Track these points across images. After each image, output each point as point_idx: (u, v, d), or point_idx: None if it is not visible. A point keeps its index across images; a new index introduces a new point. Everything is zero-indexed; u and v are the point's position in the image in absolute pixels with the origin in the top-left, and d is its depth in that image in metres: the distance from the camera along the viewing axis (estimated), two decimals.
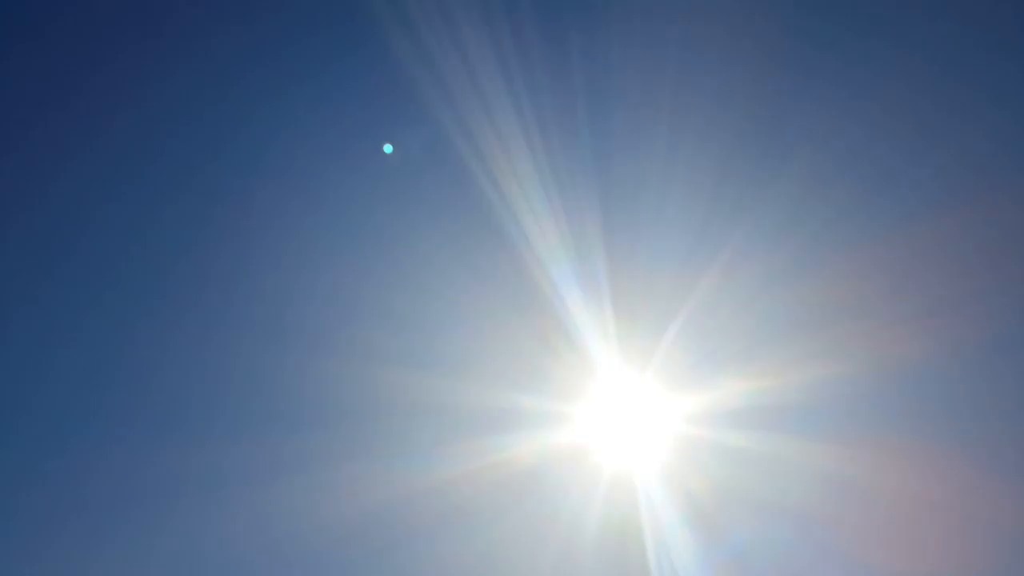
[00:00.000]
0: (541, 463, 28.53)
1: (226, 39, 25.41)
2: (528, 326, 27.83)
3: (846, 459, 27.22)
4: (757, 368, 26.58)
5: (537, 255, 25.52)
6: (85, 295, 28.94)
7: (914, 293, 27.75)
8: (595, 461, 30.66)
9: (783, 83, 24.06)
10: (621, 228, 26.56)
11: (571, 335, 27.07)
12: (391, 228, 27.02)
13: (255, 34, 25.81)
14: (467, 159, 24.72)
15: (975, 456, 26.23)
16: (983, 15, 23.41)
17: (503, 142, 24.83)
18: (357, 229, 27.87)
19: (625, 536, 32.03)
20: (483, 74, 24.32)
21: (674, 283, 26.52)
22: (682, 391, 28.23)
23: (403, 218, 26.45)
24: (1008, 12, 22.99)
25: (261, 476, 29.96)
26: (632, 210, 25.81)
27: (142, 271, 29.99)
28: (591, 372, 28.21)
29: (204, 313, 30.36)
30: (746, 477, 29.47)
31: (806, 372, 26.19)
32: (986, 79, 23.87)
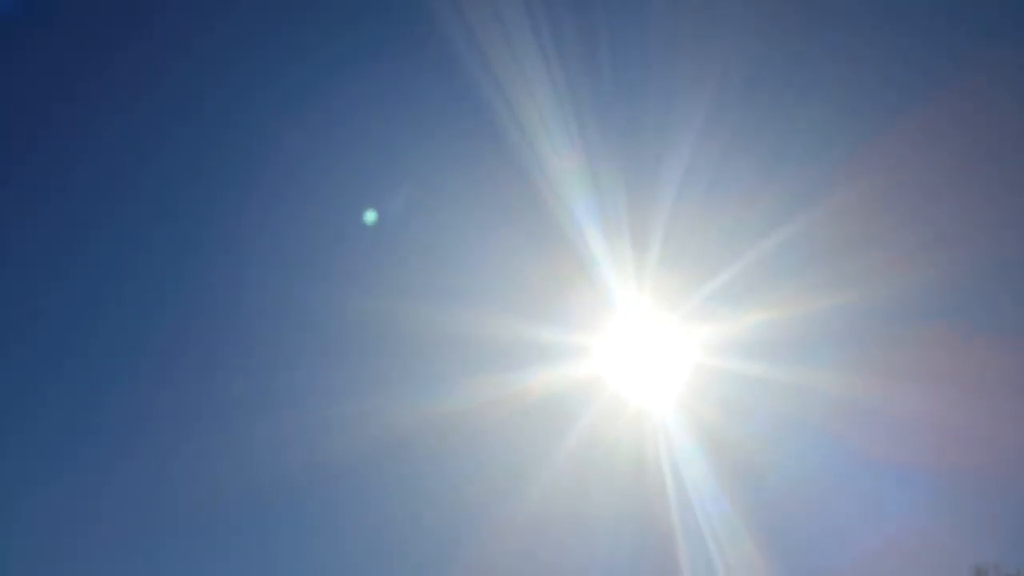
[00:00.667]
0: (560, 394, 29.38)
1: None
2: (547, 260, 28.60)
3: (856, 386, 28.10)
4: (770, 300, 27.36)
5: (557, 190, 26.23)
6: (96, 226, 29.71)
7: (918, 225, 28.54)
8: (612, 391, 31.49)
9: (797, 12, 24.61)
10: (640, 165, 27.28)
11: (589, 269, 27.78)
12: (412, 164, 27.76)
13: None
14: (489, 96, 25.43)
15: (977, 380, 27.12)
16: None
17: (525, 79, 25.45)
18: (378, 163, 28.60)
19: (642, 463, 32.94)
20: (506, 11, 24.93)
21: (691, 219, 27.27)
22: (697, 323, 29.02)
23: (425, 154, 27.16)
24: None
25: (287, 406, 30.88)
26: (651, 146, 26.50)
27: (157, 202, 30.78)
28: (609, 305, 28.98)
29: (226, 244, 31.15)
30: (759, 405, 30.34)
31: (817, 303, 26.97)
32: None
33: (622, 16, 25.90)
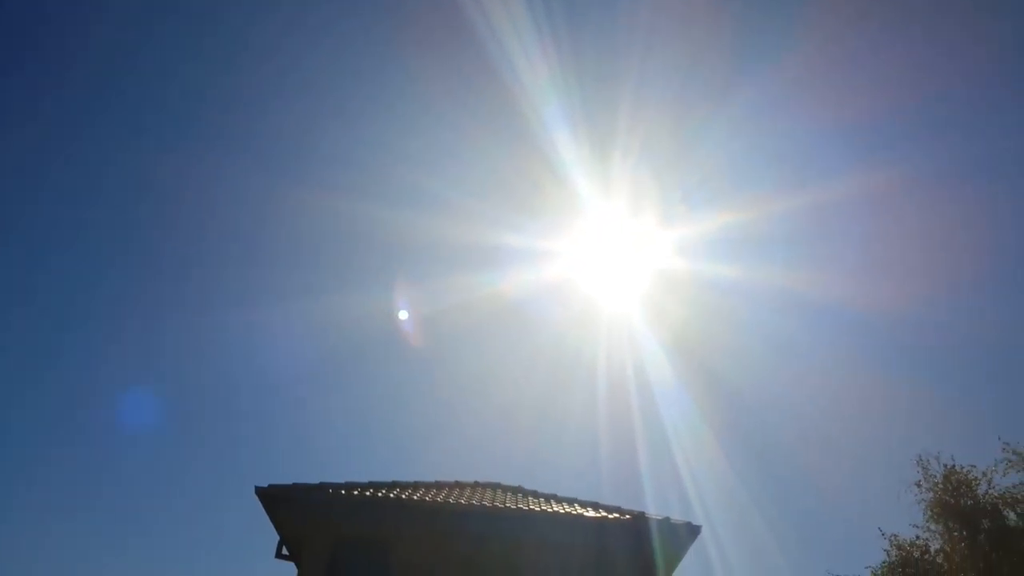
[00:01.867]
0: (530, 297, 30.03)
1: None
2: (517, 165, 28.79)
3: (821, 286, 28.80)
4: (738, 201, 27.79)
5: (527, 96, 26.26)
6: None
7: (886, 123, 28.69)
8: (582, 294, 32.21)
9: None
10: (610, 72, 27.20)
11: (559, 174, 28.06)
12: (383, 68, 27.57)
13: None
14: (461, 2, 25.00)
15: (941, 280, 27.77)
16: None
17: None
18: (353, 68, 28.37)
19: (610, 362, 33.77)
20: None
21: (659, 124, 27.34)
22: (665, 226, 29.51)
23: (395, 57, 26.94)
24: None
25: (263, 303, 31.28)
26: (620, 53, 26.39)
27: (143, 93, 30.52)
28: (578, 210, 29.38)
29: (203, 140, 31.09)
30: (725, 305, 31.04)
31: (783, 204, 27.41)
32: None
33: None
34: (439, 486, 16.92)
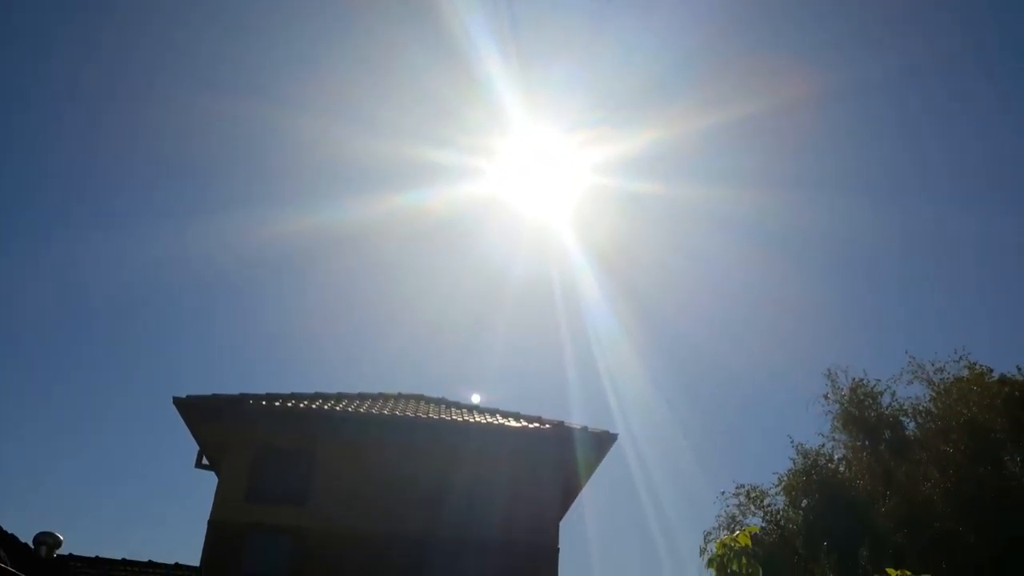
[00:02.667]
0: (455, 215, 29.83)
1: None
2: (442, 80, 28.23)
3: (742, 201, 29.31)
4: (661, 119, 27.86)
5: (452, 7, 25.59)
6: None
7: (802, 35, 28.94)
8: (509, 212, 32.18)
9: None
10: None
11: (485, 89, 27.63)
12: None
13: None
14: None
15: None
16: None
17: None
18: None
19: (538, 284, 33.98)
20: None
21: (585, 38, 27.05)
22: (591, 143, 29.49)
23: None
24: None
25: (177, 215, 30.45)
26: None
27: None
28: (504, 125, 29.09)
29: (117, 50, 29.65)
30: (651, 221, 31.45)
31: (710, 116, 27.57)
32: None
33: None
34: (362, 398, 16.98)
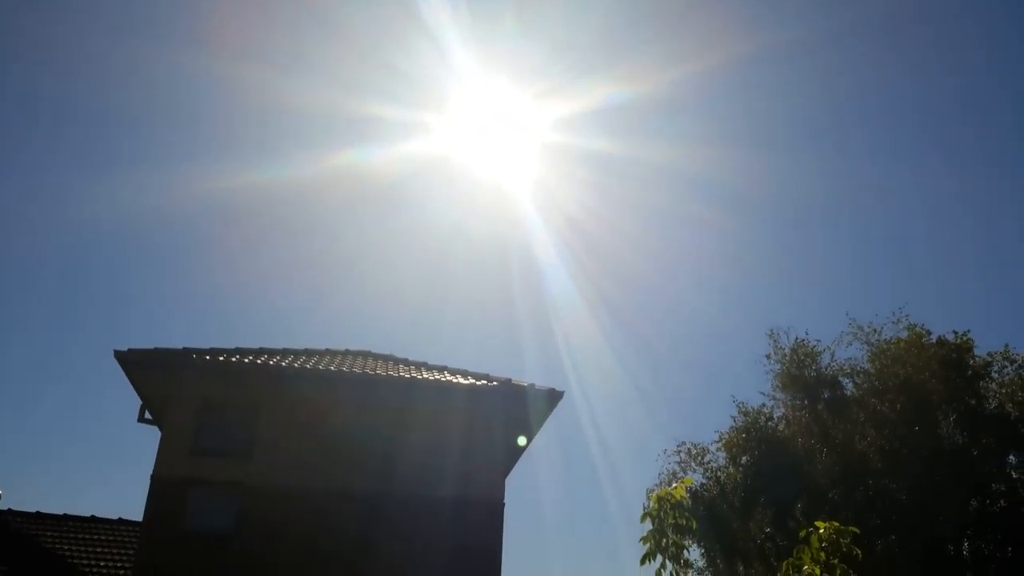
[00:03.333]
0: (405, 173, 29.41)
1: None
2: (388, 27, 27.61)
3: (698, 159, 29.44)
4: (618, 73, 27.65)
5: None
6: None
7: None
8: (460, 169, 31.84)
9: None
10: None
11: (435, 38, 27.02)
12: None
13: None
14: None
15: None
16: None
17: None
18: None
19: (492, 244, 33.80)
20: None
21: None
22: (548, 98, 29.17)
23: None
24: None
25: (115, 167, 29.60)
26: None
27: None
28: (456, 78, 28.52)
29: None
30: (609, 181, 31.42)
31: (667, 74, 27.51)
32: None
33: None
34: (309, 354, 16.83)
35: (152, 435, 15.29)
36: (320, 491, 13.96)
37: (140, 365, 14.53)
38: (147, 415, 15.47)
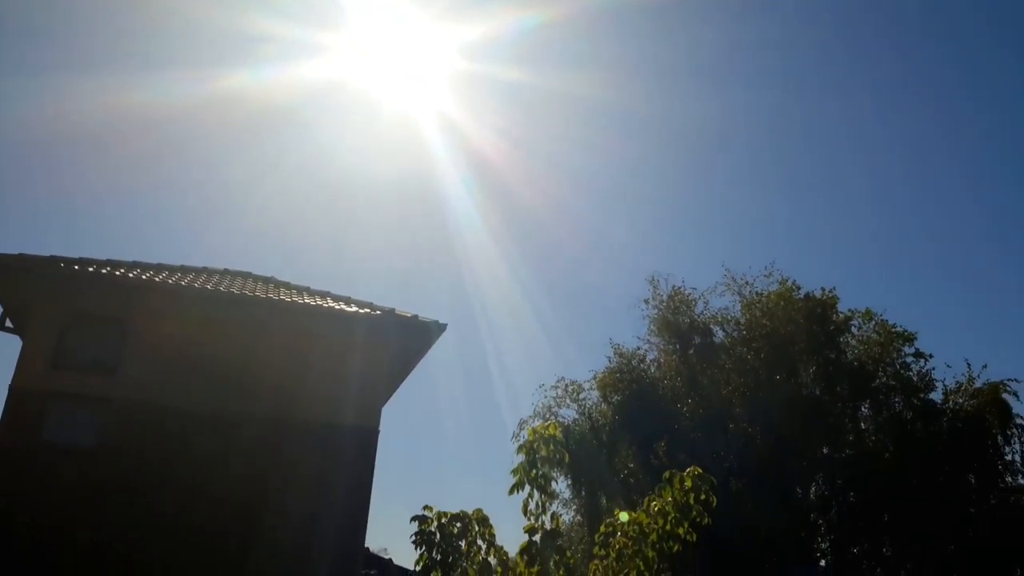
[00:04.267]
0: (299, 97, 28.33)
1: None
2: None
3: (610, 84, 29.45)
4: None
5: None
6: None
7: None
8: (361, 96, 30.91)
9: None
10: None
11: None
12: None
13: None
14: None
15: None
16: None
17: None
18: None
19: (396, 175, 33.12)
20: None
21: None
22: (451, 20, 28.41)
23: None
24: None
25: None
26: None
27: None
28: None
29: None
30: (521, 110, 31.10)
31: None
32: None
33: None
34: (185, 270, 16.31)
35: (12, 344, 14.67)
36: (184, 411, 13.70)
37: (3, 270, 13.81)
38: (7, 323, 14.77)
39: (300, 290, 16.54)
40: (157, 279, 14.84)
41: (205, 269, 17.00)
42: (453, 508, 5.99)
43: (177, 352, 14.11)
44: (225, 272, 17.15)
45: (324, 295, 16.37)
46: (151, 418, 13.61)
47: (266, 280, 16.99)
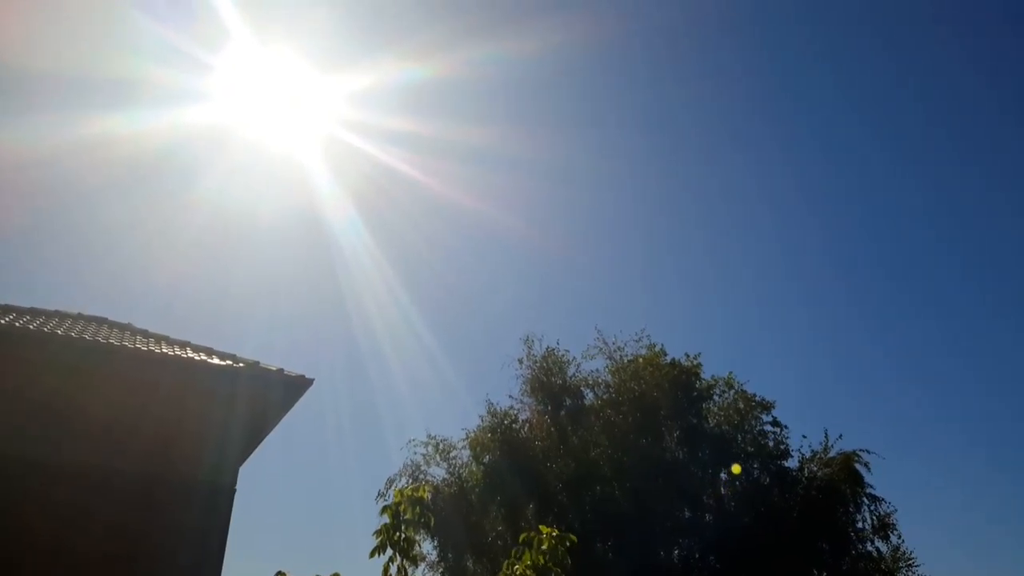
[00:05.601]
0: (176, 142, 27.43)
1: None
2: None
3: (499, 135, 29.81)
4: (418, 48, 27.35)
5: None
6: None
7: None
8: (241, 143, 30.24)
9: None
10: None
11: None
12: None
13: None
14: None
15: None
16: None
17: None
18: None
19: (289, 229, 32.37)
20: None
21: None
22: (336, 71, 28.26)
23: None
24: None
25: None
26: None
27: None
28: (232, 40, 26.75)
29: None
30: (408, 161, 31.02)
31: (463, 52, 27.58)
32: None
33: None
34: (35, 313, 15.39)
35: None
36: (27, 460, 12.76)
37: None
38: None
39: (158, 339, 15.81)
40: (3, 321, 13.92)
41: (57, 312, 16.07)
42: (325, 569, 5.72)
43: (14, 397, 13.17)
44: (79, 317, 16.27)
45: (184, 344, 15.70)
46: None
47: (122, 327, 16.19)
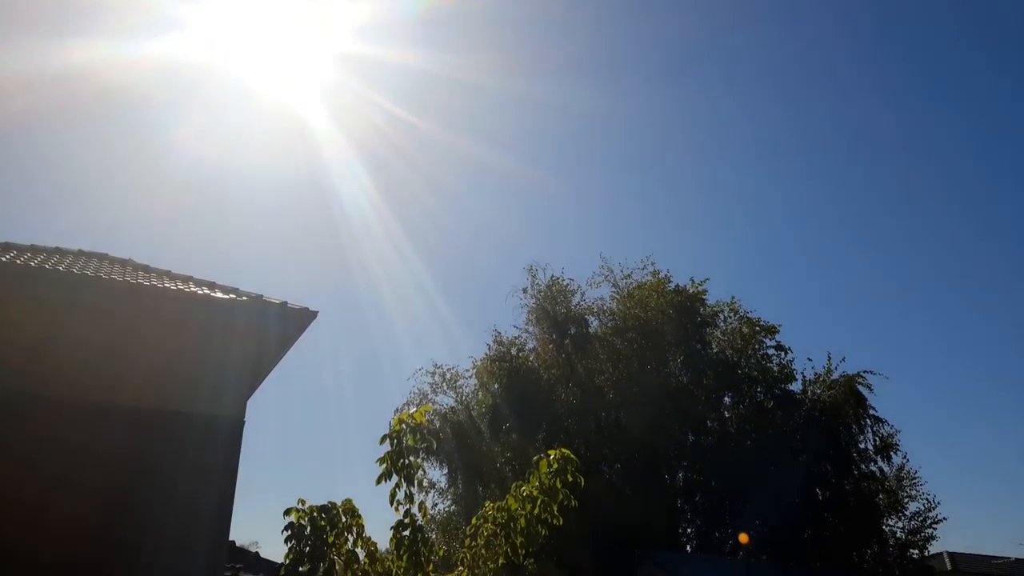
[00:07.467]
0: (167, 77, 26.62)
1: None
2: None
3: (503, 72, 28.96)
4: None
5: None
6: None
7: None
8: (240, 78, 29.34)
9: None
10: None
11: None
12: None
13: None
14: None
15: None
16: None
17: None
18: None
19: (289, 169, 31.72)
20: None
21: None
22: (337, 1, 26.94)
23: None
24: None
25: None
26: None
27: None
28: None
29: None
30: (416, 98, 30.27)
31: None
32: None
33: None
34: (35, 250, 15.23)
35: None
36: (27, 394, 12.78)
37: None
38: None
39: (160, 274, 15.67)
40: (4, 259, 13.79)
41: (58, 249, 15.92)
42: (337, 496, 5.74)
43: (23, 334, 13.15)
44: (79, 253, 16.11)
45: (186, 279, 15.58)
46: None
47: (123, 262, 16.04)
